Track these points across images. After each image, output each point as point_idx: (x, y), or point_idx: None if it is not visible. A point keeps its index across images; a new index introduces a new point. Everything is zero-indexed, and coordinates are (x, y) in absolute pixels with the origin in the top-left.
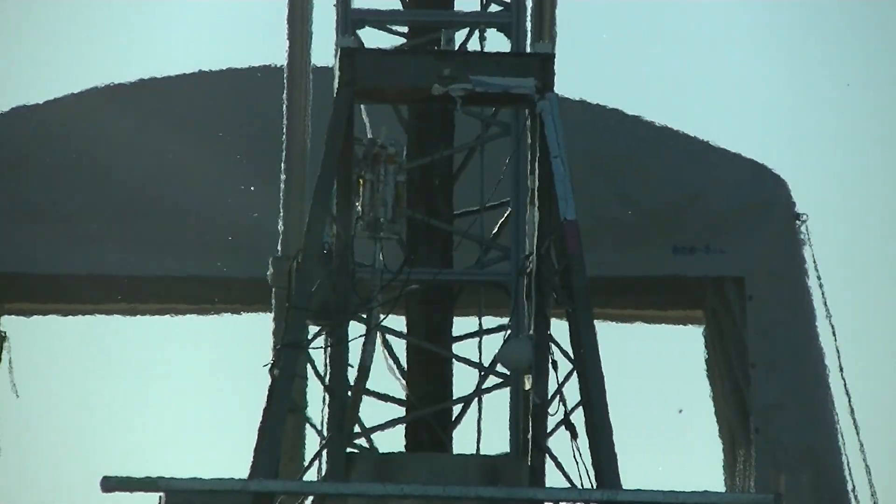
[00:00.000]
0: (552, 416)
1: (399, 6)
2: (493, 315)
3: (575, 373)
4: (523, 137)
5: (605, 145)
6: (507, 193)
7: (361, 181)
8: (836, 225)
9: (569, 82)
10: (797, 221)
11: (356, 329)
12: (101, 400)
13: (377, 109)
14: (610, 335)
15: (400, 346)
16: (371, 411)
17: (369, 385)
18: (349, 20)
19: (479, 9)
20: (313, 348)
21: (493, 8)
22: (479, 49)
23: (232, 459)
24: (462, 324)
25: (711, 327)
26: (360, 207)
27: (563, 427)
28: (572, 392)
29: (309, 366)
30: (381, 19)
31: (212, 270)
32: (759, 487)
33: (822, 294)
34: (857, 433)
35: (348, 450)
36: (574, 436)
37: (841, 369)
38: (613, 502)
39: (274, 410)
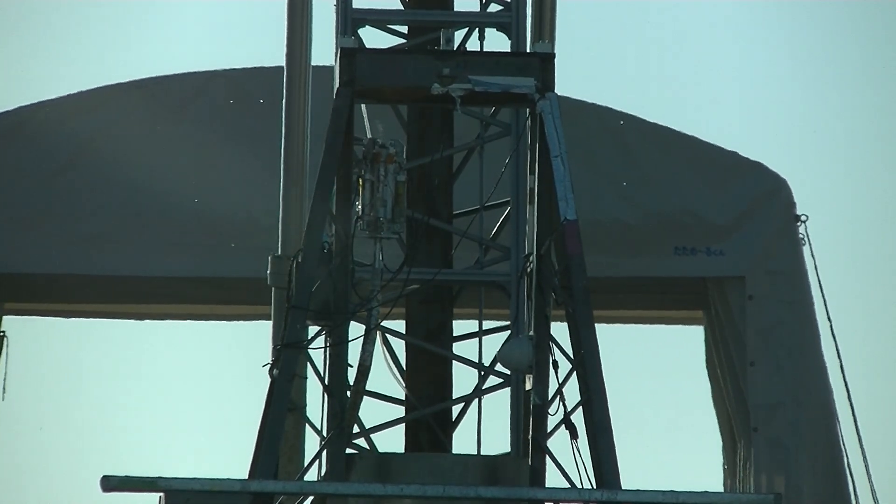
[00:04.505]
0: (552, 416)
1: (399, 6)
2: (493, 315)
3: (575, 373)
4: (523, 137)
5: (604, 146)
6: (506, 193)
7: (361, 181)
8: (836, 225)
9: (569, 82)
10: (797, 222)
11: (356, 329)
12: (101, 400)
13: (377, 109)
14: (610, 335)
15: (400, 346)
16: (371, 411)
17: (369, 385)
18: (349, 20)
19: (478, 9)
20: (313, 348)
21: (493, 8)
22: (478, 49)
23: (232, 459)
24: (462, 324)
25: (712, 327)
26: (359, 207)
27: (563, 427)
28: (572, 392)
29: (309, 366)
30: (381, 19)
31: (212, 270)
32: (759, 487)
33: (822, 294)
34: (858, 432)
35: (348, 450)
36: (574, 436)
37: (841, 369)
38: (613, 502)
39: (274, 410)
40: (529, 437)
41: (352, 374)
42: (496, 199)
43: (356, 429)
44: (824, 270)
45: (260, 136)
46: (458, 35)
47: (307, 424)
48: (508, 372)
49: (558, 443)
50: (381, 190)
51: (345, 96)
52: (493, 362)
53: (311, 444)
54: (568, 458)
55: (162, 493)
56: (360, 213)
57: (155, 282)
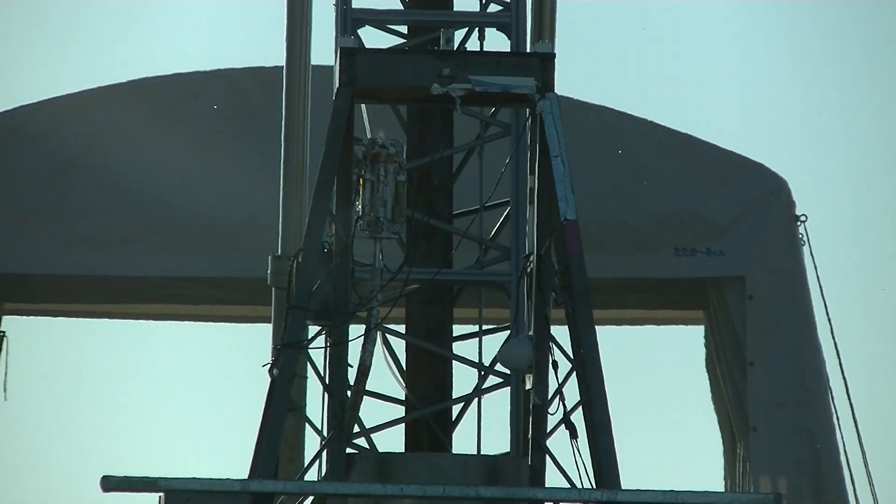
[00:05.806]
0: (552, 415)
1: (399, 6)
2: (493, 315)
3: (575, 373)
4: (523, 137)
5: (604, 146)
6: (506, 193)
7: (361, 181)
8: (836, 225)
9: (569, 82)
10: (797, 222)
11: (356, 329)
12: (101, 400)
13: (377, 109)
14: (610, 335)
15: (400, 346)
16: (371, 411)
17: (369, 385)
18: (349, 20)
19: (478, 9)
20: (313, 348)
21: (493, 8)
22: (478, 49)
23: (232, 459)
24: (462, 324)
25: (712, 327)
26: (359, 207)
27: (563, 427)
28: (572, 392)
29: (309, 366)
30: (381, 19)
31: (212, 270)
32: (759, 487)
33: (822, 294)
34: (857, 433)
35: (348, 450)
36: (574, 436)
37: (841, 369)
38: (613, 502)
39: (274, 410)
40: (529, 436)
41: (352, 374)
42: (496, 199)
43: (356, 429)
44: (824, 270)
45: (260, 136)
46: (458, 35)
47: (307, 424)
48: (508, 372)
49: (558, 443)
50: (381, 190)
51: (345, 96)
52: (493, 362)
53: (311, 444)
54: (568, 458)
55: (162, 493)
56: (360, 213)
57: (155, 282)
